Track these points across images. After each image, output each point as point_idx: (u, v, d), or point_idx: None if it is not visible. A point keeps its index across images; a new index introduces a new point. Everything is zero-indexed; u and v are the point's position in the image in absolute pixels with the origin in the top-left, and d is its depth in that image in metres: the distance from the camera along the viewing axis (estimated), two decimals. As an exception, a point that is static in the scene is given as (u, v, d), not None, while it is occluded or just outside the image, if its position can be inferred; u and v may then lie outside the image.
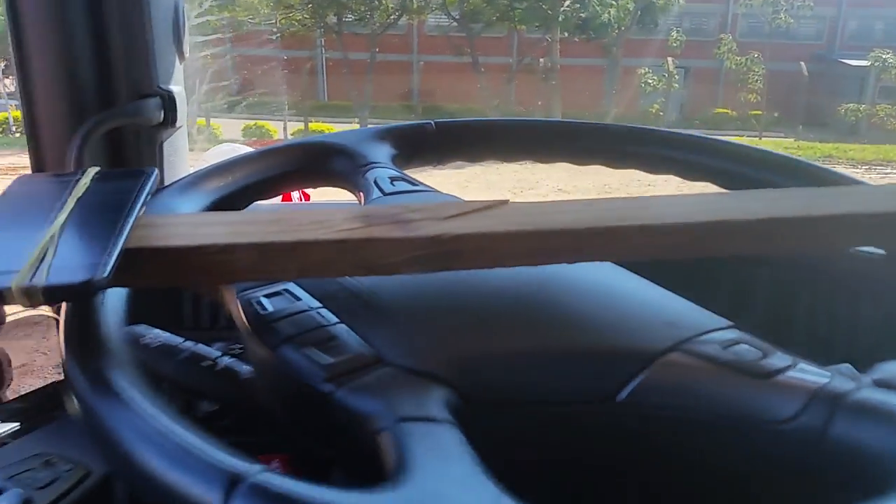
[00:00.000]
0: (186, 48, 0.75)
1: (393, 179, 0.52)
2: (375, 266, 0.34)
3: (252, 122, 11.87)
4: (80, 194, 0.36)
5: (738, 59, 15.06)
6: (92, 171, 0.39)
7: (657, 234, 0.35)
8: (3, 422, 0.81)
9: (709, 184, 0.59)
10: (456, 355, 0.34)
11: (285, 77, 12.64)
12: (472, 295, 0.39)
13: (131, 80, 0.68)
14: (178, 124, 0.73)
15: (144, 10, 0.67)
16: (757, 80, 14.79)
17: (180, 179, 0.49)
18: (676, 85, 15.62)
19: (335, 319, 0.36)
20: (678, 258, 0.36)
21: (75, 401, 0.31)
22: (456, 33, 16.33)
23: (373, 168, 0.54)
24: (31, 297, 0.28)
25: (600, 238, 0.35)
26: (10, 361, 0.34)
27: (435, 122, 0.62)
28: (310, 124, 12.77)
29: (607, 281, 0.41)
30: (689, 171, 0.59)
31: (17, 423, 0.81)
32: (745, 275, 0.60)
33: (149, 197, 0.36)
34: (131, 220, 0.33)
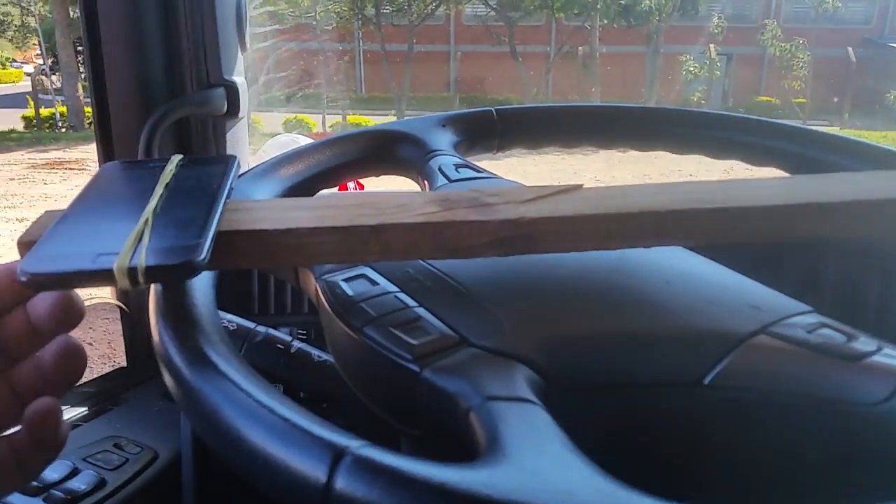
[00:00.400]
0: (248, 40, 0.76)
1: (457, 166, 0.53)
2: (456, 248, 0.35)
3: (292, 116, 11.96)
4: (167, 180, 0.37)
5: (783, 45, 14.67)
6: (176, 158, 0.40)
7: (740, 217, 0.34)
8: (72, 406, 0.84)
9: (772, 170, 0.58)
10: (539, 337, 0.34)
11: (335, 69, 12.72)
12: (552, 278, 0.39)
13: (198, 71, 0.70)
14: (240, 115, 0.75)
15: (211, 1, 0.69)
16: (802, 67, 14.40)
17: (254, 168, 0.50)
18: (718, 73, 15.29)
19: (415, 302, 0.37)
20: (761, 242, 0.36)
21: (170, 378, 0.31)
22: (494, 22, 16.24)
23: (436, 155, 0.54)
24: (133, 277, 0.29)
25: (680, 221, 0.35)
26: (86, 355, 0.36)
27: (496, 110, 0.62)
28: (348, 117, 12.82)
29: (684, 265, 0.41)
30: (758, 156, 0.58)
31: (85, 408, 0.84)
32: (813, 261, 0.59)
33: (234, 182, 0.37)
34: (222, 204, 0.34)
